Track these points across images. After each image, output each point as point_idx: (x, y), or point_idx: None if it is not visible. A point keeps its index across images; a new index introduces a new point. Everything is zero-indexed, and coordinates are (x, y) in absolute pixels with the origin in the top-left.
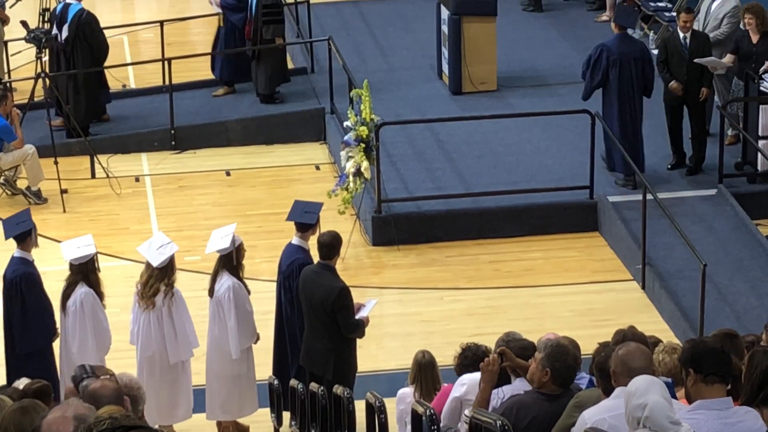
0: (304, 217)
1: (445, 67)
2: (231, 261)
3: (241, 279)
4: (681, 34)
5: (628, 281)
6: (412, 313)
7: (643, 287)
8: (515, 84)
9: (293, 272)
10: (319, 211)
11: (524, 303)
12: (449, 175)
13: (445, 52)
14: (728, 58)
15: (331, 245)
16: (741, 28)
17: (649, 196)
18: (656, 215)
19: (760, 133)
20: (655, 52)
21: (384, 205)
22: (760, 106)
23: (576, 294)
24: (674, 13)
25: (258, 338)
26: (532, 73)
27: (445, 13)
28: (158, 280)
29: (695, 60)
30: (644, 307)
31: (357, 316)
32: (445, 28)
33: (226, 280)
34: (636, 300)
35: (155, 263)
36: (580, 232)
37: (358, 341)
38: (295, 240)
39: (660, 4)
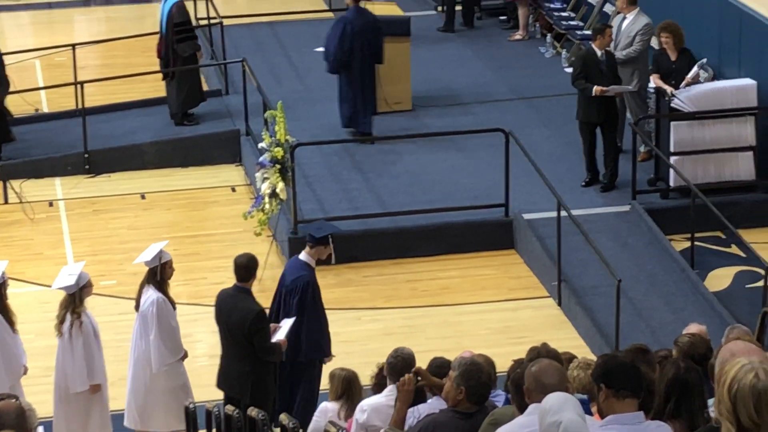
0: (316, 231)
1: None
2: (155, 276)
3: (166, 294)
4: (598, 52)
5: (545, 298)
6: (331, 333)
7: (560, 304)
8: (430, 103)
9: (296, 288)
10: (332, 231)
11: (442, 322)
12: (365, 195)
13: None
14: (654, 77)
15: (248, 267)
16: (654, 47)
17: (563, 213)
18: (571, 232)
19: (671, 149)
20: (569, 70)
21: (300, 225)
22: (672, 123)
23: (493, 312)
24: (586, 32)
25: (185, 355)
26: (446, 93)
27: None
28: (65, 308)
29: (600, 91)
30: (561, 324)
31: (273, 339)
32: None
33: (151, 294)
34: (552, 317)
35: (54, 286)
36: (497, 249)
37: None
38: (303, 255)
39: (572, 23)
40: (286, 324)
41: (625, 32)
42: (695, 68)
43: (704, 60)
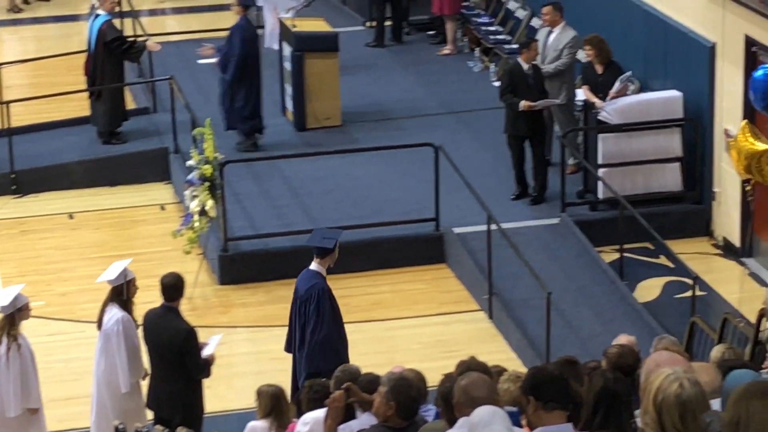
0: (323, 242)
1: (289, 104)
2: (121, 294)
3: (131, 313)
4: (524, 65)
5: (476, 311)
6: (262, 351)
7: (491, 317)
8: (360, 119)
9: (312, 297)
10: (338, 237)
11: (374, 337)
12: (296, 212)
13: (288, 88)
14: (584, 89)
15: (175, 287)
16: (581, 60)
17: (493, 227)
18: (501, 245)
19: (600, 162)
20: (498, 83)
21: (231, 243)
22: (599, 135)
23: (425, 326)
24: (514, 46)
25: (146, 374)
26: (376, 108)
27: (287, 49)
28: (0, 330)
29: (528, 106)
30: (492, 337)
31: (202, 355)
32: (287, 65)
33: (115, 313)
34: (484, 330)
35: None
36: (428, 264)
37: (208, 381)
38: (313, 266)
39: (500, 37)
40: (213, 340)
41: (552, 46)
42: (617, 83)
43: (628, 73)
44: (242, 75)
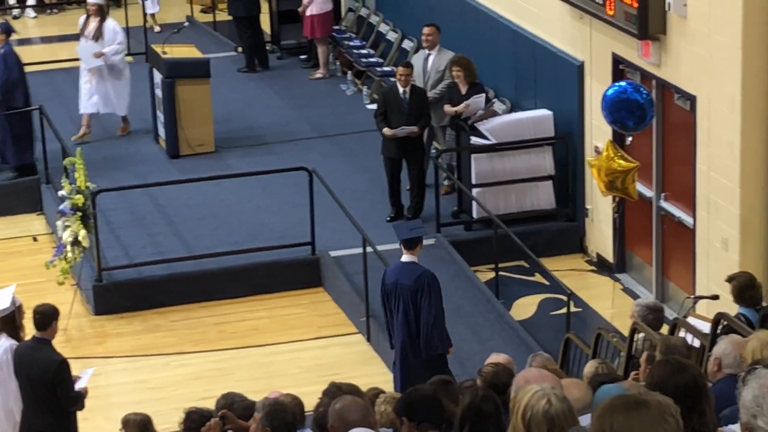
0: (413, 233)
1: (162, 131)
2: (13, 322)
3: (21, 341)
4: (400, 89)
5: (354, 334)
6: (139, 380)
7: (369, 339)
8: (233, 144)
9: (424, 285)
10: (422, 225)
11: (252, 363)
12: (171, 239)
13: (160, 115)
14: (447, 109)
15: (47, 318)
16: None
17: (369, 249)
18: (378, 267)
19: (473, 182)
20: (371, 106)
21: (105, 273)
22: (472, 155)
23: (303, 350)
24: (387, 68)
25: None
26: (249, 133)
27: (158, 76)
28: None
29: (387, 133)
30: (371, 359)
31: (75, 388)
32: (158, 92)
33: (4, 342)
34: (362, 352)
35: None
36: (305, 288)
37: (85, 413)
38: (406, 258)
39: (372, 60)
40: (86, 374)
41: (433, 68)
42: (479, 109)
43: (481, 95)
44: (7, 103)
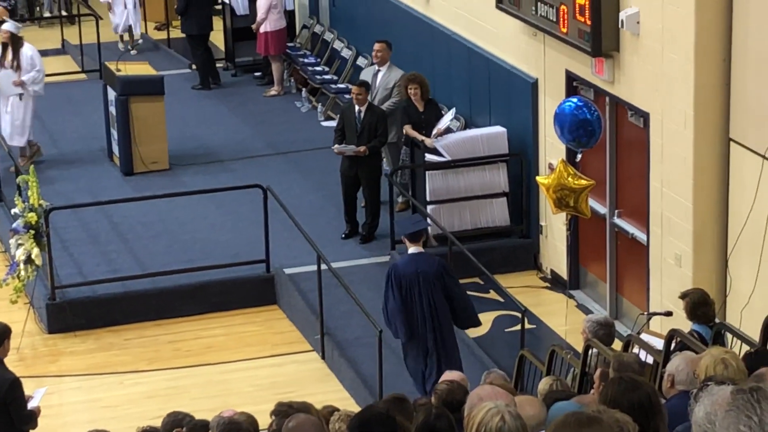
0: (416, 226)
1: (116, 149)
2: None
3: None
4: (356, 107)
5: (309, 352)
6: (93, 399)
7: (323, 357)
8: (187, 162)
9: (444, 268)
10: (423, 218)
11: (207, 381)
12: (125, 257)
13: (114, 133)
14: (406, 128)
15: (0, 337)
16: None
17: (324, 267)
18: (333, 285)
19: (428, 198)
20: (325, 123)
21: (58, 291)
22: (427, 172)
23: (258, 368)
24: (342, 85)
25: None
26: (204, 150)
27: (112, 94)
28: None
29: (334, 150)
30: (325, 377)
31: (28, 407)
32: (113, 109)
33: None
34: (317, 370)
35: None
36: (259, 306)
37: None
38: (413, 249)
39: (326, 77)
40: (39, 393)
41: (382, 84)
42: (446, 121)
43: (453, 109)
44: None
